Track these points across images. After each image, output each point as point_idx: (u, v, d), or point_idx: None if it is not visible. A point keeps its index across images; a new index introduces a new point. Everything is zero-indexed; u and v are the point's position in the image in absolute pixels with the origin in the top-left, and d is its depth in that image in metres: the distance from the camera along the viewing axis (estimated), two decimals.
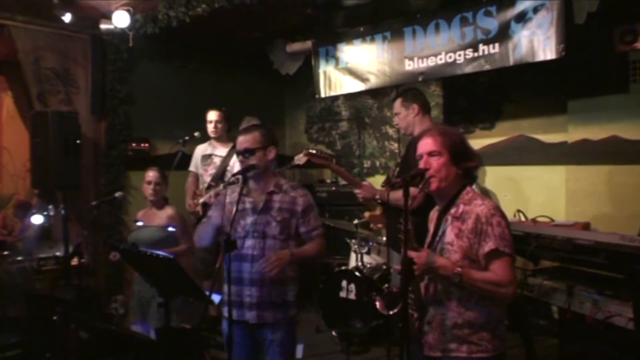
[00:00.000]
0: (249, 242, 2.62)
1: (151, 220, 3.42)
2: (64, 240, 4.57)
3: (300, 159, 4.49)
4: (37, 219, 4.78)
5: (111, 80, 5.17)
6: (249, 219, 2.63)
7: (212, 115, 4.61)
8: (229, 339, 2.41)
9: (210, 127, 4.62)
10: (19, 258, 4.70)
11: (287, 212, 2.63)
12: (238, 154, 2.71)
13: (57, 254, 4.77)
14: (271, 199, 2.64)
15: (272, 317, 2.59)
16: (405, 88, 3.89)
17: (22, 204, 6.44)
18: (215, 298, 2.68)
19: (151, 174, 3.56)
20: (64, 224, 4.60)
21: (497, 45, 3.73)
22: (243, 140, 2.67)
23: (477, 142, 5.08)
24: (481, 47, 3.80)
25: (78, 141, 4.69)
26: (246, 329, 2.60)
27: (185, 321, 3.00)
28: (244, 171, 2.60)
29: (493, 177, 5.00)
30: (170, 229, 3.23)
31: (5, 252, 5.12)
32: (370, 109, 6.04)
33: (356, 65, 4.67)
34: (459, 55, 3.93)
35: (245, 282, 2.59)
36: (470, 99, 5.13)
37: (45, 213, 4.79)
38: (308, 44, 5.02)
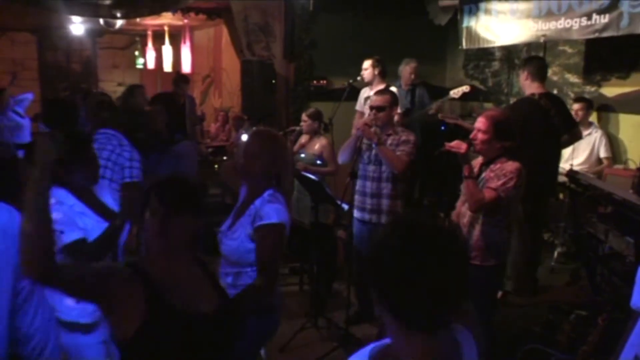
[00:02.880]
0: (370, 167, 3.87)
1: (309, 148, 4.77)
2: None
3: (456, 93, 5.56)
4: (245, 137, 6.60)
5: (299, 31, 6.59)
6: (373, 151, 3.86)
7: (364, 64, 5.62)
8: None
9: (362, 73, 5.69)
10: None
11: (395, 147, 3.77)
12: (371, 108, 3.92)
13: None
14: (387, 139, 3.81)
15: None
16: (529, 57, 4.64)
17: (237, 117, 8.50)
18: (345, 207, 4.06)
19: (304, 114, 4.79)
20: None
21: (607, 16, 4.20)
22: (377, 99, 3.89)
23: (611, 90, 5.49)
24: (594, 16, 4.30)
25: (273, 81, 6.30)
26: (367, 226, 3.91)
27: (326, 220, 4.45)
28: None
29: (625, 124, 5.40)
30: (318, 162, 4.58)
31: (225, 157, 7.15)
32: (520, 51, 6.56)
33: (492, 24, 5.38)
34: (575, 22, 4.46)
35: (367, 194, 3.90)
36: (610, 47, 5.42)
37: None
38: (456, 0, 5.79)
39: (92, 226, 2.35)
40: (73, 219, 2.30)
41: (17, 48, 10.96)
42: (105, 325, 2.46)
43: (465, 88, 5.69)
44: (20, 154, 6.14)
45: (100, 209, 2.43)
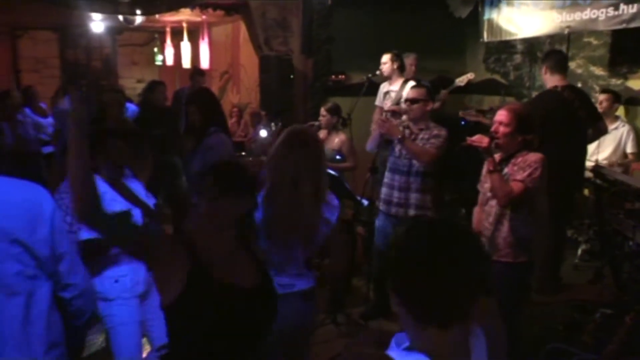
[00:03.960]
0: (401, 160, 3.80)
1: (328, 143, 4.71)
2: None
3: (461, 81, 5.49)
4: (263, 133, 6.59)
5: (316, 26, 6.54)
6: None
7: (382, 58, 5.58)
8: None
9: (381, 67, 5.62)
10: (250, 158, 6.62)
11: (427, 142, 3.70)
12: (406, 100, 3.86)
13: None
14: (419, 133, 3.76)
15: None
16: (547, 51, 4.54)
17: (255, 113, 8.50)
18: (364, 202, 4.01)
19: (322, 109, 4.74)
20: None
21: (635, 5, 4.07)
22: (412, 92, 3.84)
23: (638, 82, 5.35)
24: (622, 6, 4.17)
25: (292, 76, 6.27)
26: (392, 220, 3.85)
27: (344, 215, 4.39)
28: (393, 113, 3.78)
29: None
30: (338, 157, 4.52)
31: (243, 153, 7.15)
32: (543, 44, 6.43)
33: (514, 16, 5.27)
34: (602, 13, 4.34)
35: (395, 187, 3.84)
36: (637, 39, 5.27)
37: (268, 129, 6.57)
38: None
39: None
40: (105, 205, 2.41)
41: (39, 46, 11.09)
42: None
43: (470, 75, 5.65)
44: (45, 150, 6.26)
45: (131, 198, 2.60)
